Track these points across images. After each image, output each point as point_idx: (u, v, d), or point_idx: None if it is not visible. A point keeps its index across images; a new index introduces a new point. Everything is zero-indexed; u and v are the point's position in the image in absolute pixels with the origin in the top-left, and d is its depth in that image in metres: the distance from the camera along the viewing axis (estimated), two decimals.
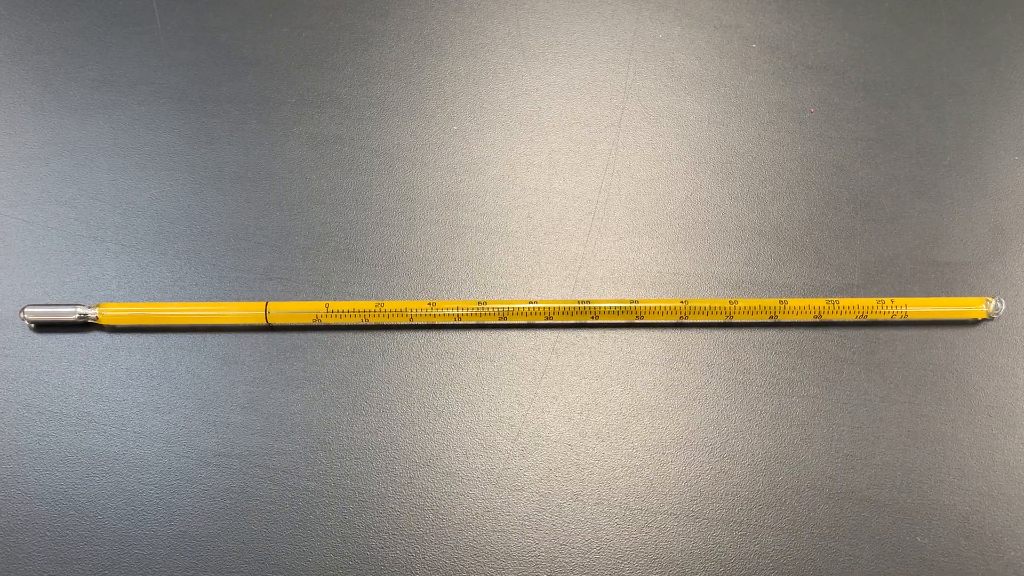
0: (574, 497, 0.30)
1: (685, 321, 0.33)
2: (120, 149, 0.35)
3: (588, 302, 0.33)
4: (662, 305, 0.33)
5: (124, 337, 0.32)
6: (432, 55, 0.38)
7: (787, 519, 0.31)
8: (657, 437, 0.32)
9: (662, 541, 0.29)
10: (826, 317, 0.33)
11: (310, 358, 0.32)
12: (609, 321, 0.33)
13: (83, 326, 0.32)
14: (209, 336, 0.32)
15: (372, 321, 0.32)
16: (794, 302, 0.33)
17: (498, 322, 0.33)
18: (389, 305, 0.32)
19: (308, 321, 0.32)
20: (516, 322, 0.33)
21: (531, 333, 0.33)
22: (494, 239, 0.35)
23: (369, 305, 0.32)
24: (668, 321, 0.33)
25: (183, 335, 0.32)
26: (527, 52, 0.39)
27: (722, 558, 0.30)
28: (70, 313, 0.31)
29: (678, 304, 0.33)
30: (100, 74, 0.37)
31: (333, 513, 0.29)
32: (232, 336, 0.32)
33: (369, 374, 0.32)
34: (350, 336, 0.32)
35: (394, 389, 0.32)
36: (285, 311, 0.32)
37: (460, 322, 0.32)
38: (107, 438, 0.30)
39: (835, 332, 0.34)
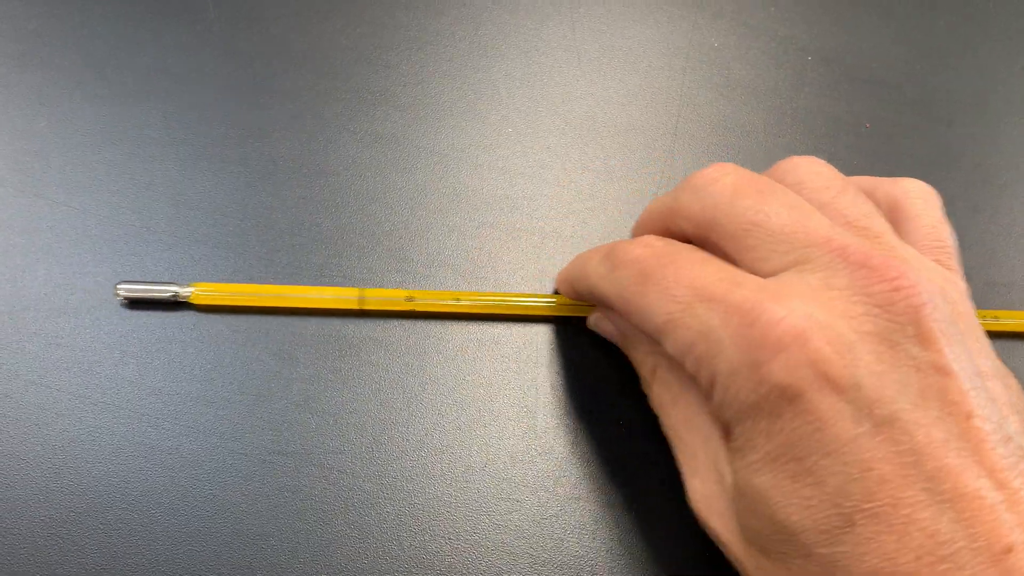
0: (630, 507, 0.30)
1: None
2: (172, 139, 0.35)
3: None
4: None
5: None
6: (487, 56, 0.38)
7: None
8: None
9: (720, 553, 0.28)
10: None
11: (365, 357, 0.31)
12: None
13: (174, 305, 0.31)
14: (271, 327, 0.32)
15: (460, 310, 0.32)
16: None
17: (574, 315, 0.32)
18: (467, 296, 0.32)
19: (402, 308, 0.32)
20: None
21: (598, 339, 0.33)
22: (549, 243, 0.34)
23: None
24: None
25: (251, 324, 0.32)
26: (582, 56, 0.39)
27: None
28: (163, 291, 0.31)
29: None
30: (154, 62, 0.36)
31: (388, 515, 0.29)
32: (288, 331, 0.32)
33: (423, 374, 0.31)
34: (405, 336, 0.32)
35: (449, 391, 0.31)
36: (380, 296, 0.32)
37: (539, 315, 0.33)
38: (160, 431, 0.30)
39: None
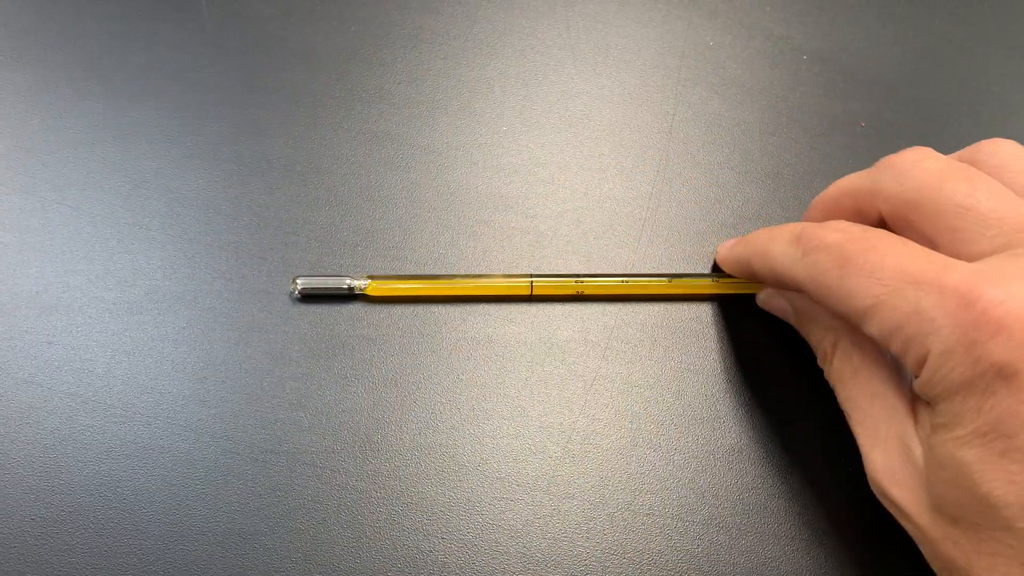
0: (626, 506, 0.30)
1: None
2: (166, 137, 0.35)
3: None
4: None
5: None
6: (482, 54, 0.38)
7: (846, 534, 0.31)
8: (710, 448, 0.31)
9: (713, 554, 0.28)
10: None
11: (358, 356, 0.31)
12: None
13: (349, 298, 0.32)
14: (265, 326, 0.31)
15: (632, 292, 0.33)
16: None
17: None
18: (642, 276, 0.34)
19: (570, 292, 0.33)
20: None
21: (581, 340, 0.33)
22: (544, 242, 0.34)
23: (630, 276, 0.34)
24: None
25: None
26: (577, 54, 0.39)
27: (775, 572, 0.30)
28: (339, 283, 0.32)
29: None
30: (147, 60, 0.36)
31: (382, 514, 0.29)
32: (280, 330, 0.31)
33: (417, 373, 0.31)
34: (397, 333, 0.32)
35: (442, 390, 0.31)
36: (548, 284, 0.33)
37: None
38: (153, 430, 0.30)
39: None
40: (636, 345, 0.33)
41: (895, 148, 0.37)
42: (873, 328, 0.23)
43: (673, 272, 0.34)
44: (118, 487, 0.29)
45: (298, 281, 0.31)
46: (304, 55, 0.37)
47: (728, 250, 0.32)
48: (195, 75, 0.36)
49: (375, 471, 0.30)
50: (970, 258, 0.23)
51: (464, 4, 0.39)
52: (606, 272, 0.34)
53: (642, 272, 0.34)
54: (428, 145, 0.36)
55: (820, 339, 0.29)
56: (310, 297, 0.32)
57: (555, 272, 0.34)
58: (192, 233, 0.33)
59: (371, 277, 0.32)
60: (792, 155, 0.37)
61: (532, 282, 0.32)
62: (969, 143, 0.38)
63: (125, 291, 0.32)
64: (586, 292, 0.33)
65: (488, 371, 0.32)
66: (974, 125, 0.39)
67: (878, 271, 0.23)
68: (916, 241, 0.24)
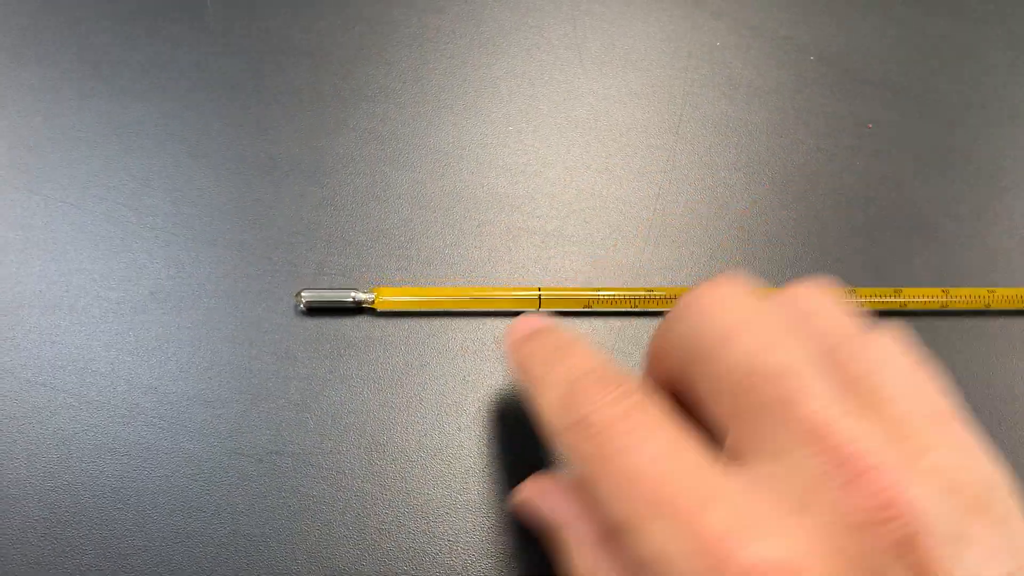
0: None
1: None
2: (170, 136, 0.34)
3: None
4: None
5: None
6: (488, 53, 0.38)
7: None
8: None
9: None
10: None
11: (364, 356, 0.31)
12: None
13: (356, 311, 0.32)
14: (271, 326, 0.31)
15: (640, 307, 0.33)
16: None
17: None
18: (659, 291, 0.33)
19: (580, 307, 0.32)
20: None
21: (590, 342, 0.32)
22: (550, 243, 0.34)
23: (640, 291, 0.33)
24: None
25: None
26: (584, 54, 0.38)
27: None
28: (344, 296, 0.31)
29: None
30: (151, 58, 0.36)
31: (387, 516, 0.29)
32: (287, 331, 0.31)
33: (423, 375, 0.31)
34: (404, 335, 0.32)
35: (448, 392, 0.31)
36: (558, 294, 0.32)
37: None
38: (156, 431, 0.29)
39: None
40: (645, 348, 0.33)
41: (902, 149, 0.37)
42: (626, 549, 0.20)
43: (682, 281, 0.34)
44: (122, 488, 0.29)
45: (303, 295, 0.31)
46: (309, 54, 0.36)
47: (512, 343, 0.25)
48: (199, 74, 0.36)
49: (381, 473, 0.29)
50: (742, 446, 0.19)
51: (470, 3, 0.39)
52: (614, 278, 0.34)
53: (651, 284, 0.34)
54: (434, 145, 0.35)
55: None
56: (317, 309, 0.31)
57: (562, 274, 0.34)
58: (196, 232, 0.33)
59: (377, 290, 0.31)
60: (799, 156, 0.37)
61: (540, 295, 0.32)
62: (977, 144, 0.38)
63: (129, 290, 0.32)
64: (595, 307, 0.32)
65: (495, 373, 0.32)
66: (981, 127, 0.39)
67: (632, 487, 0.19)
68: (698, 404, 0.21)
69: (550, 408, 0.22)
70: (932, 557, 0.16)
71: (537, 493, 0.24)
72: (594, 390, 0.21)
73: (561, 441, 0.21)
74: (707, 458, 0.19)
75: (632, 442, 0.19)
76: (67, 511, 0.28)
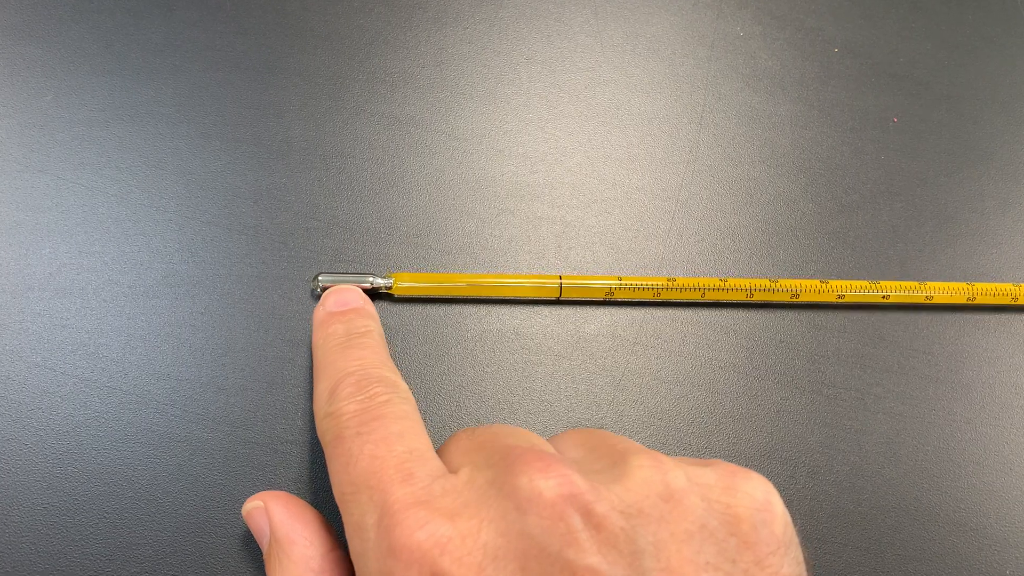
0: None
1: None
2: (183, 117, 0.34)
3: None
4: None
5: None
6: (508, 39, 0.37)
7: (872, 539, 0.30)
8: (740, 448, 0.31)
9: None
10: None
11: None
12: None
13: (373, 296, 0.31)
14: (285, 313, 0.30)
15: (663, 297, 0.32)
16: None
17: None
18: (680, 281, 0.32)
19: (601, 296, 0.32)
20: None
21: (610, 334, 0.32)
22: (571, 233, 0.33)
23: (661, 280, 0.32)
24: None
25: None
26: (605, 42, 0.38)
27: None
28: (362, 281, 0.30)
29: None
30: (164, 38, 0.35)
31: None
32: (302, 318, 0.31)
33: (442, 364, 0.31)
34: (424, 324, 0.31)
35: (467, 383, 0.30)
36: (579, 283, 0.31)
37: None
38: (169, 418, 0.29)
39: (921, 351, 0.33)
40: (667, 340, 0.32)
41: (927, 144, 0.37)
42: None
43: (705, 273, 0.33)
44: (132, 476, 0.28)
45: (320, 278, 0.30)
46: (326, 36, 0.36)
47: (318, 320, 0.28)
48: (214, 54, 0.35)
49: None
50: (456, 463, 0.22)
51: None
52: (636, 270, 0.33)
53: (674, 275, 0.33)
54: (452, 131, 0.35)
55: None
56: None
57: (583, 264, 0.33)
58: (210, 216, 0.32)
59: (395, 275, 0.31)
60: (824, 149, 0.36)
61: (561, 284, 0.31)
62: (1004, 138, 0.37)
63: (141, 274, 0.31)
64: (617, 296, 0.32)
65: (514, 364, 0.31)
66: (1007, 122, 0.38)
67: (354, 463, 0.22)
68: None
69: (318, 398, 0.25)
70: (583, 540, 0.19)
71: (273, 506, 0.25)
72: (352, 388, 0.24)
73: (318, 428, 0.24)
74: (424, 456, 0.22)
75: (363, 431, 0.22)
76: (76, 499, 0.28)
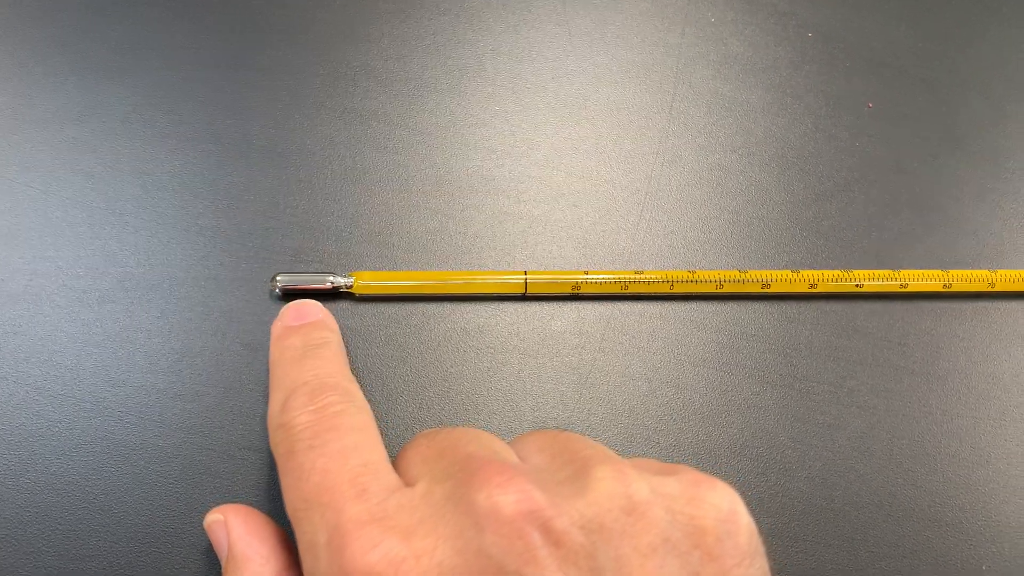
0: None
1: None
2: (141, 117, 0.33)
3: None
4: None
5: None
6: (473, 29, 0.36)
7: (845, 536, 0.29)
8: (710, 445, 0.30)
9: None
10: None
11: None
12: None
13: (334, 296, 0.30)
14: (242, 315, 0.30)
15: (631, 291, 0.31)
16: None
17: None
18: (648, 274, 0.31)
19: (566, 291, 0.31)
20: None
21: (576, 331, 0.31)
22: (537, 228, 0.33)
23: (628, 274, 0.31)
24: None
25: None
26: (573, 30, 0.37)
27: (778, 573, 0.28)
28: (321, 281, 0.30)
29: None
30: (122, 36, 0.34)
31: None
32: (258, 321, 0.30)
33: (404, 366, 0.30)
34: (384, 326, 0.30)
35: (431, 383, 0.30)
36: (544, 279, 0.31)
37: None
38: (125, 426, 0.28)
39: (896, 342, 0.32)
40: (635, 336, 0.31)
41: (904, 131, 0.36)
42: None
43: (675, 267, 0.33)
44: (87, 486, 0.28)
45: (278, 279, 0.30)
46: (286, 30, 0.35)
47: (275, 335, 0.27)
48: (172, 52, 0.34)
49: None
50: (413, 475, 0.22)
51: None
52: (605, 264, 0.32)
53: (641, 270, 0.32)
54: (416, 125, 0.34)
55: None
56: (292, 294, 0.30)
57: (550, 260, 0.32)
58: (168, 218, 0.31)
59: (356, 274, 0.30)
60: (797, 137, 0.36)
61: (527, 279, 0.31)
62: (982, 125, 0.36)
63: (96, 279, 0.30)
64: (584, 291, 0.31)
65: (479, 363, 0.30)
66: (986, 108, 0.37)
67: (305, 479, 0.21)
68: None
69: (272, 409, 0.24)
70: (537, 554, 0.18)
71: (233, 520, 0.24)
72: (305, 399, 0.23)
73: (270, 440, 0.23)
74: (379, 469, 0.21)
75: (316, 443, 0.22)
76: (29, 511, 0.27)
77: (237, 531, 0.24)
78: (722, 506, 0.21)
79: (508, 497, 0.19)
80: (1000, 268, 0.34)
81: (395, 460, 0.23)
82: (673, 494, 0.21)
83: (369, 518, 0.20)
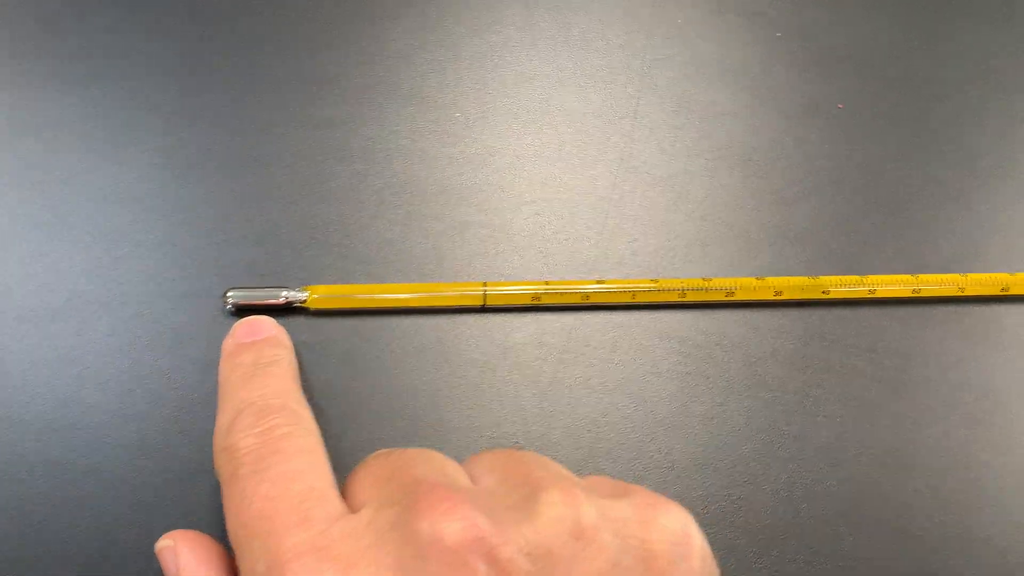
0: None
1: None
2: (92, 128, 0.32)
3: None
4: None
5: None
6: (434, 34, 0.36)
7: (812, 550, 0.29)
8: (672, 458, 0.29)
9: None
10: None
11: (298, 361, 0.29)
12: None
13: (288, 311, 0.30)
14: (194, 333, 0.29)
15: (593, 301, 0.31)
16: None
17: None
18: (610, 283, 0.31)
19: (526, 302, 0.30)
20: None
21: (536, 343, 0.30)
22: (499, 237, 0.32)
23: (590, 283, 0.31)
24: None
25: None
26: (536, 34, 0.36)
27: None
28: (274, 296, 0.29)
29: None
30: (75, 45, 0.34)
31: None
32: (213, 338, 0.29)
33: (360, 383, 0.29)
34: (340, 341, 0.30)
35: (387, 400, 0.29)
36: (504, 290, 0.30)
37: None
38: (73, 448, 0.28)
39: (865, 348, 0.32)
40: (596, 347, 0.31)
41: (877, 131, 0.35)
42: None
43: (640, 275, 0.32)
44: (35, 511, 0.27)
45: (230, 295, 0.29)
46: (243, 37, 0.34)
47: (226, 353, 0.27)
48: (126, 61, 0.33)
49: None
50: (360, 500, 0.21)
51: None
52: (567, 274, 0.32)
53: (604, 279, 0.32)
54: (374, 134, 0.33)
55: None
56: (245, 310, 0.29)
57: (512, 270, 0.32)
58: (118, 233, 0.31)
59: (311, 288, 0.29)
60: (765, 139, 0.35)
61: (486, 291, 0.30)
62: (956, 125, 0.36)
63: (44, 296, 0.30)
64: (545, 301, 0.30)
65: (437, 378, 0.30)
66: (961, 107, 0.37)
67: (246, 506, 0.20)
68: None
69: (217, 430, 0.23)
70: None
71: (182, 547, 0.23)
72: (250, 421, 0.23)
73: (214, 463, 0.23)
74: (324, 495, 0.20)
75: (259, 468, 0.21)
76: None
77: (185, 558, 0.23)
78: (674, 528, 0.20)
79: (453, 525, 0.18)
80: (972, 272, 0.33)
81: (346, 481, 0.22)
82: (624, 517, 0.20)
83: (310, 547, 0.19)
